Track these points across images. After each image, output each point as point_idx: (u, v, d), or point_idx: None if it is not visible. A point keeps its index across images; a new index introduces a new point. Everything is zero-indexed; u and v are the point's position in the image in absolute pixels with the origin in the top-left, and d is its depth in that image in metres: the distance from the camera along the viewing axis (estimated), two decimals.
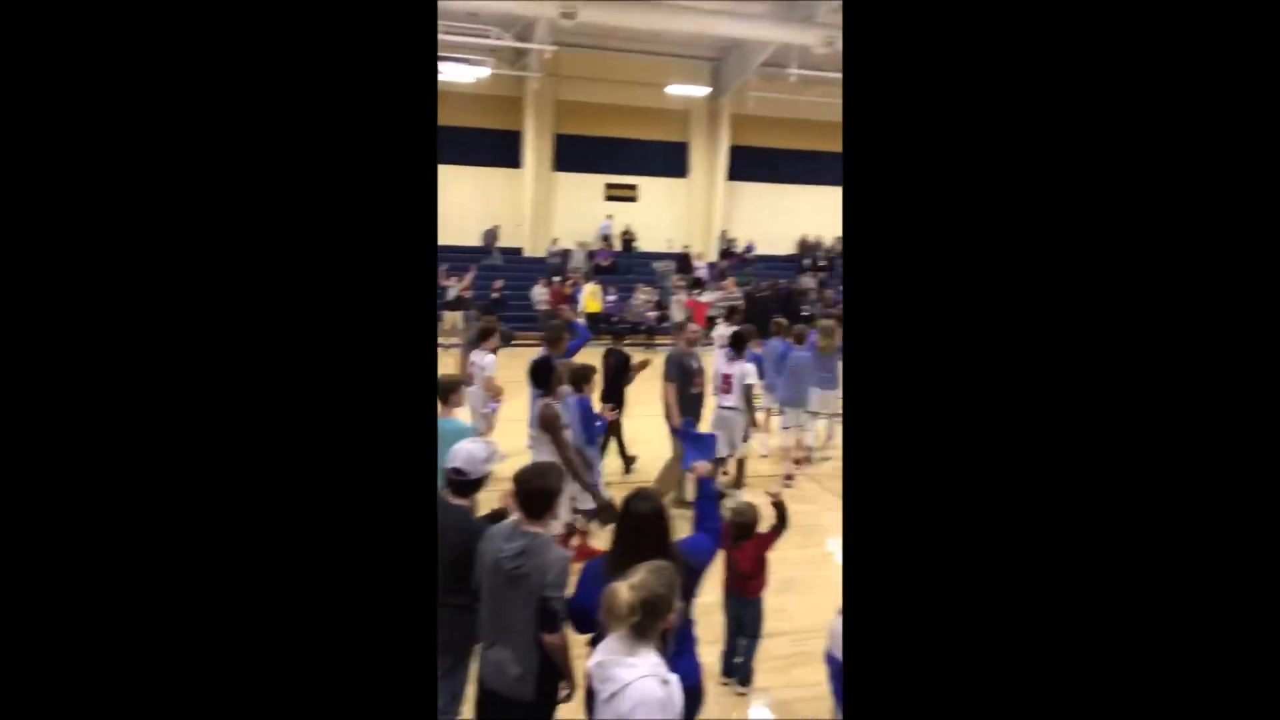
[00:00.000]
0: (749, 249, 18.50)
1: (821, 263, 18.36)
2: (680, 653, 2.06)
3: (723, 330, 7.41)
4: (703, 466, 2.65)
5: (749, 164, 18.35)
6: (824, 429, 6.89)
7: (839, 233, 19.24)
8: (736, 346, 5.43)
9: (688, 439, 4.60)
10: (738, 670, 3.36)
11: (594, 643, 2.14)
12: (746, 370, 5.35)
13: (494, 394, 5.36)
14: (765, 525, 3.27)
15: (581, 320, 9.29)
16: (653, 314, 14.76)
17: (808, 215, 19.19)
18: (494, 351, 5.75)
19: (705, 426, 5.31)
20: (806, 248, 18.96)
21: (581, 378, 4.53)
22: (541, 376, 4.25)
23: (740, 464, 5.67)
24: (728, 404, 5.37)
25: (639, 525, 2.13)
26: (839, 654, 1.88)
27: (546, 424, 4.09)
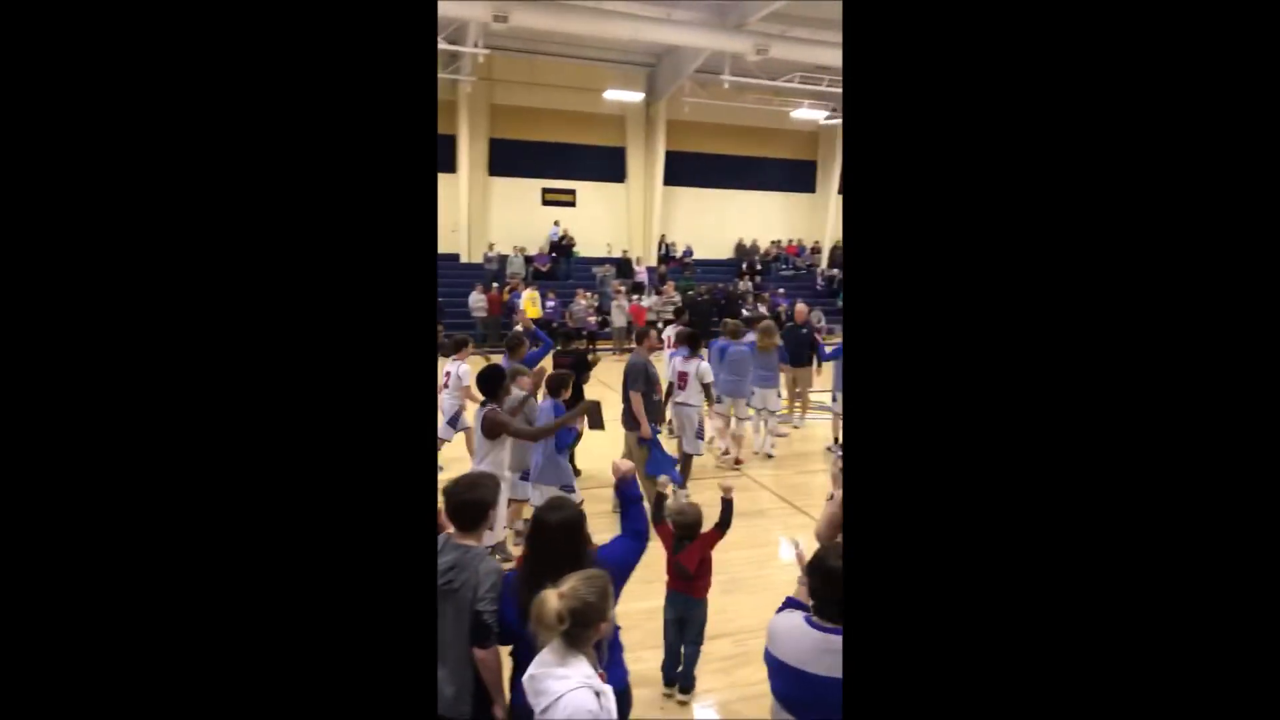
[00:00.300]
0: (687, 253, 18.64)
1: (758, 266, 18.64)
2: (610, 662, 2.05)
3: (671, 332, 7.66)
4: (663, 480, 2.63)
5: (685, 169, 18.49)
6: (763, 427, 7.07)
7: (774, 237, 19.66)
8: (692, 345, 5.70)
9: (657, 447, 4.65)
10: (679, 679, 3.32)
11: (515, 654, 2.14)
12: (703, 369, 5.63)
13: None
14: (709, 524, 3.25)
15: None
16: (593, 319, 14.70)
17: (743, 220, 19.50)
18: (466, 360, 6.10)
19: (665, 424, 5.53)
20: (743, 252, 19.21)
21: (559, 383, 4.60)
22: (490, 385, 4.24)
23: (687, 460, 5.83)
24: (684, 400, 5.66)
25: (551, 535, 2.11)
26: (777, 652, 1.90)
27: (491, 430, 4.06)
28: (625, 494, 2.44)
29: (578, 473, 5.91)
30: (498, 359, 5.54)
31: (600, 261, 17.39)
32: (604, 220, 18.02)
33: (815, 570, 1.94)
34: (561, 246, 17.32)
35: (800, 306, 8.37)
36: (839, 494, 2.50)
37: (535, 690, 1.67)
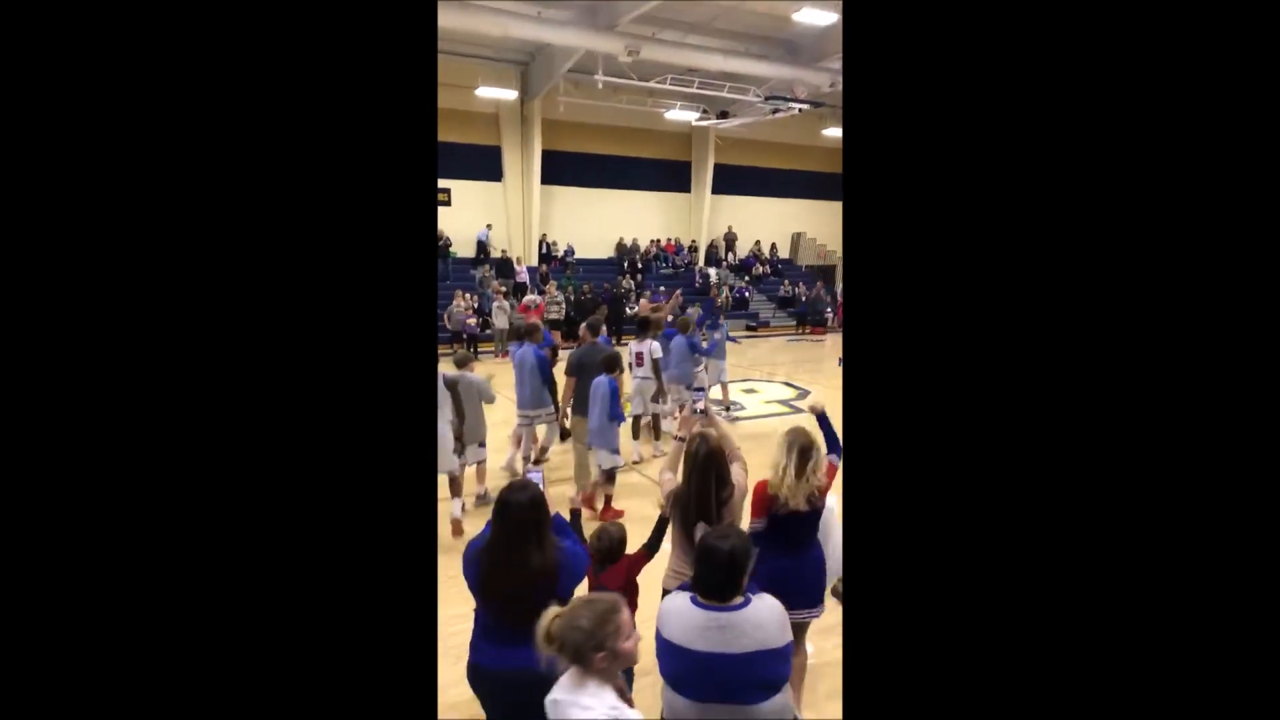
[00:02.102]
0: (569, 253, 18.45)
1: (639, 265, 18.75)
2: None
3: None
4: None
5: (563, 168, 18.26)
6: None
7: (653, 235, 19.85)
8: (643, 329, 6.93)
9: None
10: None
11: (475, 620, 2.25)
12: (654, 347, 6.77)
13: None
14: (634, 545, 3.07)
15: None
16: (473, 321, 14.21)
17: (622, 219, 19.54)
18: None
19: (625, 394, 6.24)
20: (624, 251, 19.26)
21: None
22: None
23: (655, 420, 6.78)
24: (641, 374, 6.87)
25: (516, 513, 2.18)
26: (665, 633, 1.97)
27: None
28: (557, 523, 2.46)
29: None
30: None
31: (478, 263, 16.86)
32: (480, 220, 17.47)
33: (699, 552, 2.04)
34: (437, 247, 16.64)
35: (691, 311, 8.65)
36: (685, 434, 2.86)
37: (558, 717, 1.62)
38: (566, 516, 2.77)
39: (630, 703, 1.67)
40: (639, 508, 5.49)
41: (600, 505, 5.43)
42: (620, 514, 5.31)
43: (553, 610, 1.67)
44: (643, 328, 6.94)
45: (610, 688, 1.63)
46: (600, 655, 1.61)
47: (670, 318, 7.64)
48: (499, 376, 7.35)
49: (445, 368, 5.31)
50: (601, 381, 5.34)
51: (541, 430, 6.36)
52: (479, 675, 2.19)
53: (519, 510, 2.18)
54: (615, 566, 3.00)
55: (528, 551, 2.15)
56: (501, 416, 6.59)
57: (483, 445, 5.55)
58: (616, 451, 5.39)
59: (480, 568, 2.18)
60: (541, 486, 2.40)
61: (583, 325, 6.29)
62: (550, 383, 5.99)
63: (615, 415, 5.31)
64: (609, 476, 5.41)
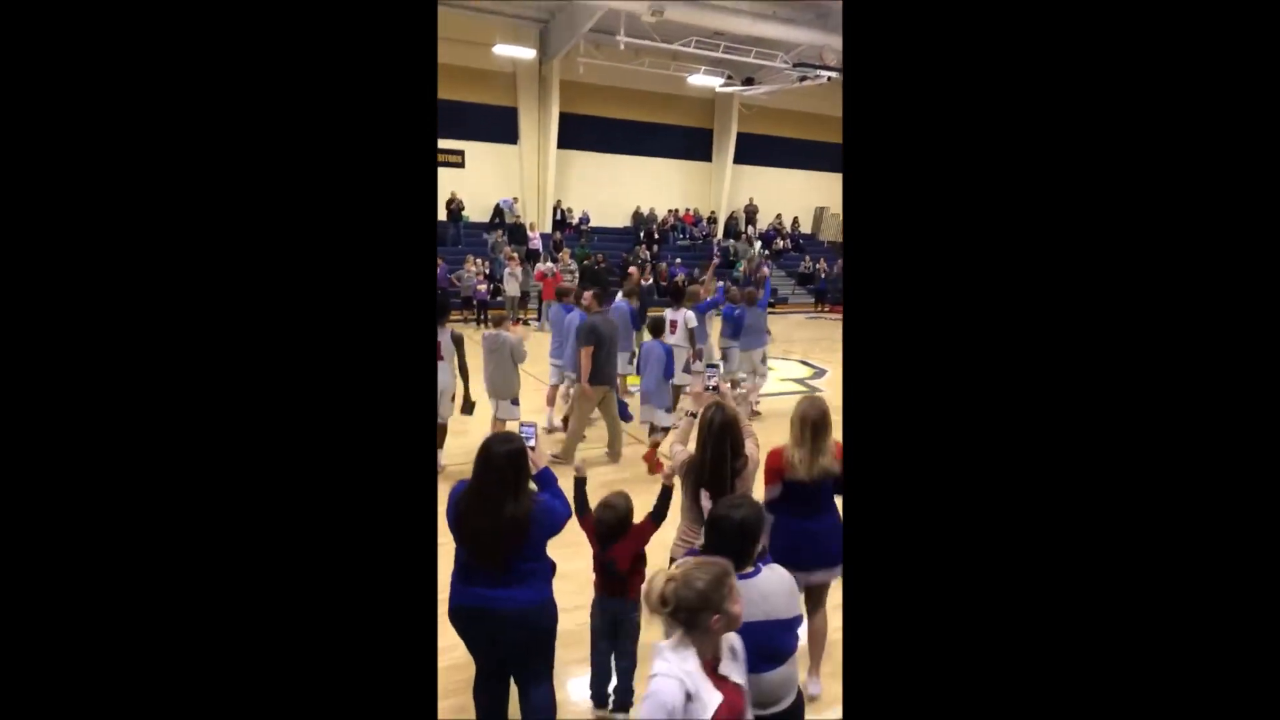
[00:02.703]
0: (584, 220, 18.14)
1: (655, 235, 18.39)
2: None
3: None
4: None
5: (581, 132, 17.88)
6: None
7: (671, 205, 19.45)
8: (676, 298, 7.26)
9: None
10: (615, 694, 2.97)
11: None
12: (688, 316, 7.00)
13: None
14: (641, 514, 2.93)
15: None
16: (483, 287, 13.96)
17: (640, 187, 19.16)
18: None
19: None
20: (641, 220, 18.92)
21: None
22: None
23: (676, 391, 6.63)
24: (673, 341, 6.81)
25: (498, 464, 2.31)
26: None
27: None
28: (543, 478, 2.56)
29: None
30: None
31: (491, 227, 16.57)
32: (494, 184, 17.15)
33: (710, 521, 2.03)
34: (449, 210, 16.35)
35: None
36: (697, 409, 2.85)
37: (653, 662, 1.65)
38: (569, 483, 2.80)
39: (720, 681, 1.65)
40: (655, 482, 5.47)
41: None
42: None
43: (662, 573, 1.67)
44: (676, 296, 7.29)
45: (696, 653, 1.63)
46: (716, 618, 1.61)
47: (705, 287, 7.83)
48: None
49: (454, 331, 5.45)
50: (655, 345, 5.95)
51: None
52: (456, 615, 2.36)
53: (499, 460, 2.32)
54: (625, 540, 2.83)
55: (502, 499, 2.30)
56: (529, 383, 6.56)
57: (515, 403, 5.72)
58: (670, 410, 5.96)
59: (459, 510, 2.34)
60: (533, 442, 2.55)
61: (587, 293, 6.18)
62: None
63: (670, 374, 5.85)
64: (665, 433, 5.81)
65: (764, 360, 8.02)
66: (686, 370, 6.91)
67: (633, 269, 11.58)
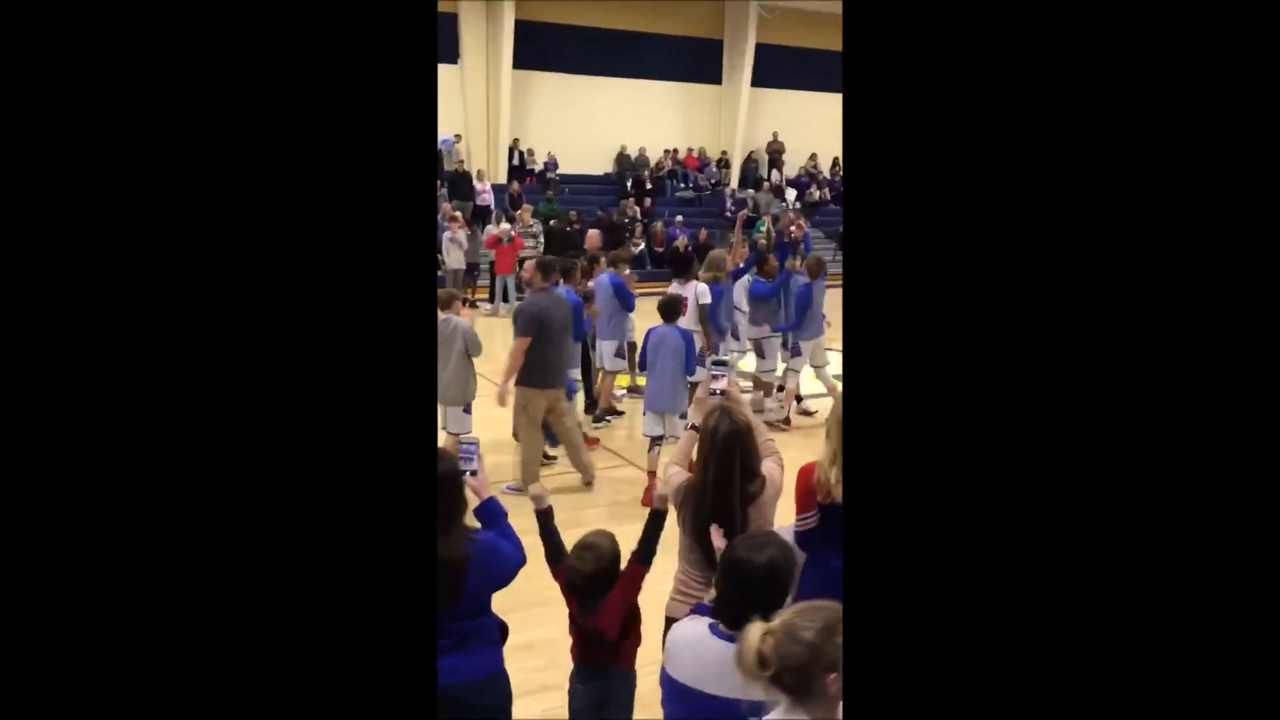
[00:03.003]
0: (550, 166, 18.17)
1: (647, 185, 18.35)
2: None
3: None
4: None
5: (543, 48, 17.90)
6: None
7: (668, 144, 19.43)
8: (683, 268, 7.53)
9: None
10: None
11: None
12: (700, 290, 6.98)
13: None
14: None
15: None
16: None
17: (626, 120, 19.18)
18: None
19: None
20: (627, 165, 18.96)
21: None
22: None
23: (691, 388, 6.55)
24: (683, 325, 6.71)
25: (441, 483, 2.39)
26: (674, 671, 2.12)
27: None
28: (487, 511, 2.69)
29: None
30: None
31: None
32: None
33: (725, 568, 2.15)
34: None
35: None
36: (699, 423, 2.94)
37: None
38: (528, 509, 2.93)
39: None
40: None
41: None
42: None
43: (757, 627, 1.72)
44: (683, 266, 7.36)
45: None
46: (832, 677, 1.65)
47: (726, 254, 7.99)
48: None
49: None
50: (669, 332, 5.94)
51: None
52: None
53: (442, 479, 2.38)
54: (610, 597, 2.80)
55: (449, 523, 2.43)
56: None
57: (467, 411, 5.79)
58: (686, 417, 5.64)
59: None
60: (475, 463, 2.64)
61: (530, 263, 6.32)
62: (583, 336, 6.58)
63: (691, 369, 5.89)
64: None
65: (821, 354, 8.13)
66: (701, 363, 6.91)
67: (592, 231, 11.10)
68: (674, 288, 7.15)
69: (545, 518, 2.91)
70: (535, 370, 5.74)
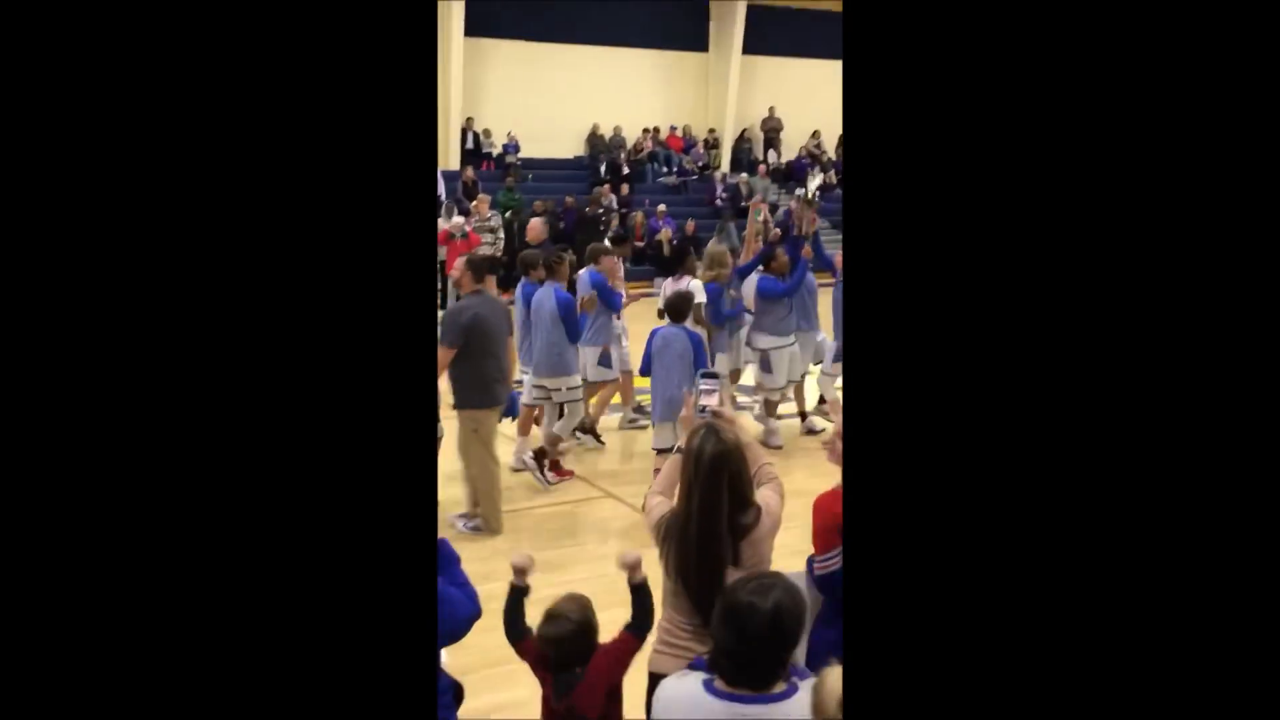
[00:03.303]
0: (510, 149, 18.28)
1: (624, 170, 18.48)
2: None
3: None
4: None
5: (500, 11, 18.01)
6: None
7: (648, 123, 19.52)
8: (677, 264, 7.80)
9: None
10: None
11: None
12: (695, 286, 7.15)
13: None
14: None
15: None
16: None
17: (598, 96, 19.29)
18: None
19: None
20: (600, 146, 19.11)
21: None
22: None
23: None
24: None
25: None
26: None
27: None
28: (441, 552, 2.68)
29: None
30: None
31: None
32: None
33: (723, 615, 2.16)
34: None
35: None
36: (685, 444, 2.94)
37: None
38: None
39: None
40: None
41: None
42: None
43: (837, 673, 1.78)
44: (676, 262, 7.58)
45: None
46: None
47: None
48: None
49: None
50: (676, 334, 6.17)
51: (566, 409, 6.96)
52: None
53: None
54: (590, 671, 2.85)
55: None
56: None
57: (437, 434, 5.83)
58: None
59: None
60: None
61: (460, 261, 6.34)
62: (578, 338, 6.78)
63: (701, 364, 6.06)
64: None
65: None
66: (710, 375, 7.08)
67: (535, 220, 9.91)
68: (669, 285, 7.31)
69: (518, 594, 2.98)
70: (474, 389, 5.73)
